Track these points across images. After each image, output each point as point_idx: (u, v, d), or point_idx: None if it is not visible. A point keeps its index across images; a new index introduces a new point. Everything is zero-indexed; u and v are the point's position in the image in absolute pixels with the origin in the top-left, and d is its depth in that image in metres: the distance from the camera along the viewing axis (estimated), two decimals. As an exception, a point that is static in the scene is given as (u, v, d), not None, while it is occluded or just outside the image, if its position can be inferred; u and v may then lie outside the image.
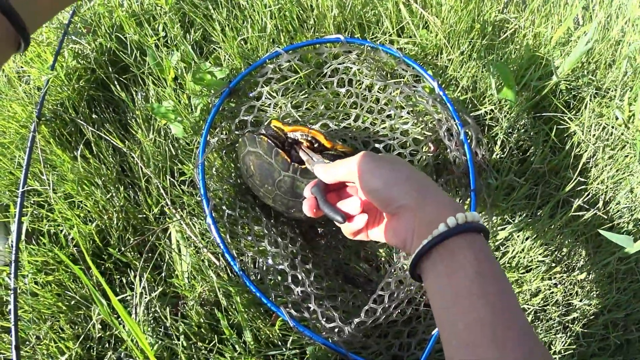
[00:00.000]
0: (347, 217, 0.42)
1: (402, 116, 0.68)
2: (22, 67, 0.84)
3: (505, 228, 0.72)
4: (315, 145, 0.62)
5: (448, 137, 0.66)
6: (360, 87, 0.70)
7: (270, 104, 0.69)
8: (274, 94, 0.69)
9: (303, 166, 0.60)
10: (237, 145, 0.68)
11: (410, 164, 0.41)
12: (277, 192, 0.63)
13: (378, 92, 0.69)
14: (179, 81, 0.74)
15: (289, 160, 0.60)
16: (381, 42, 0.74)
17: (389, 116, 0.71)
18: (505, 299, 0.31)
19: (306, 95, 0.70)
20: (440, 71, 0.73)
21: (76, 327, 0.75)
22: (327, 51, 0.69)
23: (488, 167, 0.71)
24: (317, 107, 0.70)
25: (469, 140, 0.64)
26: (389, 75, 0.73)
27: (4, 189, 0.80)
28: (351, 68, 0.70)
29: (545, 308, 0.77)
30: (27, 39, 0.26)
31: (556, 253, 0.77)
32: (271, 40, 0.73)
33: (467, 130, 0.65)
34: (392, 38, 0.73)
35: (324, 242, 0.74)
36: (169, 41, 0.76)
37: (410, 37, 0.75)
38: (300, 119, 0.69)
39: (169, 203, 0.71)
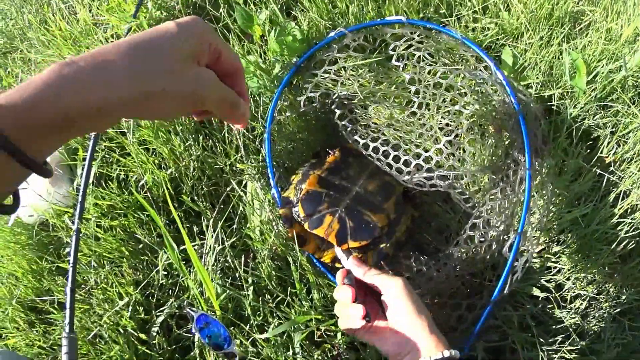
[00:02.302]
0: (370, 317, 0.50)
1: (467, 101, 0.69)
2: (101, 16, 0.85)
3: (571, 211, 0.74)
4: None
5: (508, 118, 0.67)
6: (424, 73, 0.71)
7: (337, 81, 0.71)
8: (341, 73, 0.71)
9: None
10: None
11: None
12: None
13: (440, 78, 0.70)
14: (264, 38, 0.75)
15: None
16: (465, 19, 0.76)
17: (452, 101, 0.72)
18: None
19: (373, 75, 0.71)
20: (520, 54, 0.75)
21: (138, 274, 0.75)
22: (391, 31, 0.71)
23: (547, 146, 0.73)
24: (383, 88, 0.71)
25: (525, 121, 0.66)
26: (452, 57, 0.74)
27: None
28: (414, 54, 0.71)
29: (597, 297, 0.78)
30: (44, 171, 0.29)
31: (613, 243, 0.78)
32: (360, 7, 0.74)
33: (523, 111, 0.66)
34: (477, 16, 0.75)
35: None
36: (257, -1, 0.77)
37: (492, 17, 0.77)
38: (363, 100, 0.71)
39: (244, 156, 0.72)
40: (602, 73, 0.77)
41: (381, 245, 0.63)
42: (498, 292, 0.58)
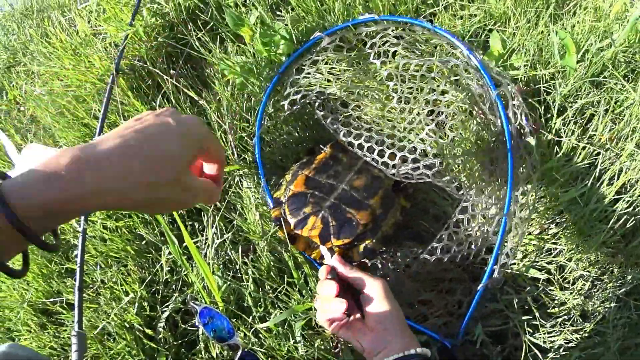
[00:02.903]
0: (349, 312, 0.54)
1: (444, 89, 0.69)
2: (99, 26, 0.88)
3: (568, 190, 0.74)
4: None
5: (487, 100, 0.68)
6: (399, 69, 0.71)
7: (317, 83, 0.73)
8: (321, 74, 0.73)
9: None
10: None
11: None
12: None
13: (414, 70, 0.71)
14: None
15: None
16: (453, 8, 0.77)
17: (431, 90, 0.73)
18: None
19: (353, 71, 0.73)
20: (509, 38, 0.76)
21: (143, 272, 0.77)
22: (366, 30, 0.72)
23: (528, 124, 0.72)
24: (362, 86, 0.72)
25: (503, 101, 0.66)
26: (432, 48, 0.75)
27: (78, 141, 0.83)
28: (389, 50, 0.72)
29: (601, 278, 0.78)
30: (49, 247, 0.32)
31: (613, 221, 0.77)
32: (347, 3, 0.76)
33: (500, 92, 0.66)
34: (464, 4, 0.76)
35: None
36: (247, 0, 0.79)
37: (480, 3, 0.78)
38: (345, 98, 0.73)
39: (235, 154, 0.74)
40: (592, 51, 0.77)
41: (366, 242, 0.64)
42: (488, 276, 0.58)
